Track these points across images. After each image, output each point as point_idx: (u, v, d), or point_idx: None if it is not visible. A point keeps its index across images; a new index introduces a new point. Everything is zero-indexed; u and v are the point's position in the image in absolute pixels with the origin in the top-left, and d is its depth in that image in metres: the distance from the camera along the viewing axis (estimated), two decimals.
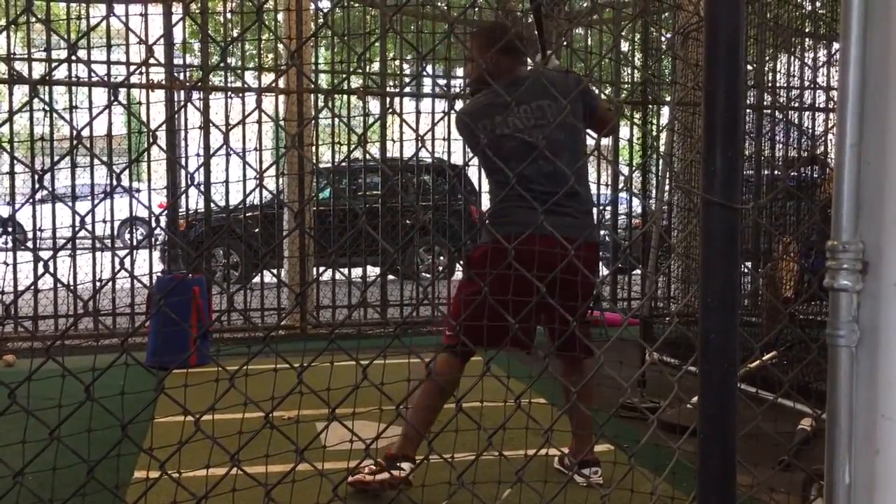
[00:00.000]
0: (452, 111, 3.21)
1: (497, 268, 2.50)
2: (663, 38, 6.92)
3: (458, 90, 6.83)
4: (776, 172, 5.72)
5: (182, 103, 6.22)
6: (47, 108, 5.80)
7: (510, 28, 3.39)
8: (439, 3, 7.88)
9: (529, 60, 3.23)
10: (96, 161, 6.02)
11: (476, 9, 7.33)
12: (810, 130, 5.67)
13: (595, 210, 3.29)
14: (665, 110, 6.91)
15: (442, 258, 8.42)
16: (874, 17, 1.06)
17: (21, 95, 7.18)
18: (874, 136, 1.06)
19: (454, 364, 2.89)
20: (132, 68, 6.22)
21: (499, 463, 2.19)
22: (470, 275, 3.00)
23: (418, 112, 6.80)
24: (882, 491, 1.06)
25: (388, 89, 7.25)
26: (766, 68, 5.65)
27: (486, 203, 6.64)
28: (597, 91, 6.97)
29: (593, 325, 3.24)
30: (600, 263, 3.19)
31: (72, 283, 5.76)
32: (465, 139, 3.23)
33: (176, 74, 6.40)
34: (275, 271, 6.80)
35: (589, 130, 3.12)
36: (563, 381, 2.93)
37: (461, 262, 3.23)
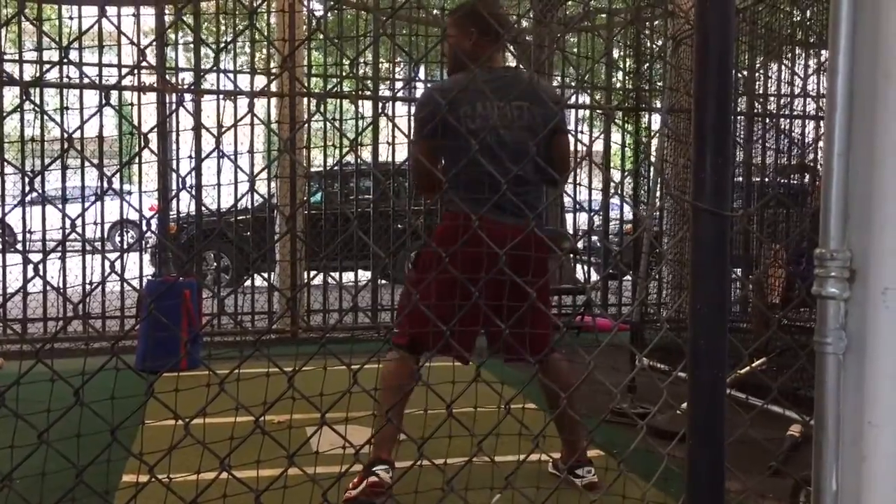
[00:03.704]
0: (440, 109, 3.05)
1: (452, 244, 2.49)
2: (655, 45, 6.96)
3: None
4: (766, 179, 5.75)
5: (174, 106, 6.21)
6: (38, 109, 5.78)
7: (491, 9, 3.26)
8: (434, 12, 7.89)
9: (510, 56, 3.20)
10: (87, 163, 6.01)
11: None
12: (800, 138, 5.70)
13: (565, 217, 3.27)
14: (657, 116, 6.94)
15: None
16: (862, 28, 1.07)
17: (12, 97, 7.16)
18: (862, 146, 1.07)
19: (409, 364, 2.86)
20: (124, 71, 6.21)
21: (490, 468, 2.19)
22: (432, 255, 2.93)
23: (410, 116, 6.81)
24: (868, 497, 1.06)
25: (380, 93, 7.25)
26: (757, 75, 5.68)
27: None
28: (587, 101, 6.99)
29: (576, 325, 3.22)
30: (554, 269, 3.14)
31: (61, 285, 5.73)
32: (428, 117, 2.89)
33: (168, 77, 6.39)
34: (266, 275, 6.79)
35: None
36: (550, 385, 2.93)
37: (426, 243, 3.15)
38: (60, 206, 6.21)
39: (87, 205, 6.32)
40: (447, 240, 2.83)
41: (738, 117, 5.43)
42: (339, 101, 6.99)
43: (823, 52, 5.21)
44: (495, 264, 2.51)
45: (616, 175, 8.93)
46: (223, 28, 7.25)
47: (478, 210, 2.62)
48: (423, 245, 2.96)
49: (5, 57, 6.06)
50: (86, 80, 5.94)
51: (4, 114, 5.72)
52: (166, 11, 5.98)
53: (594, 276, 7.99)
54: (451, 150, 2.94)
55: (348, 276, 7.31)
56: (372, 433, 2.50)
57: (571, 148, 3.09)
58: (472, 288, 2.47)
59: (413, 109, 6.80)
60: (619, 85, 8.85)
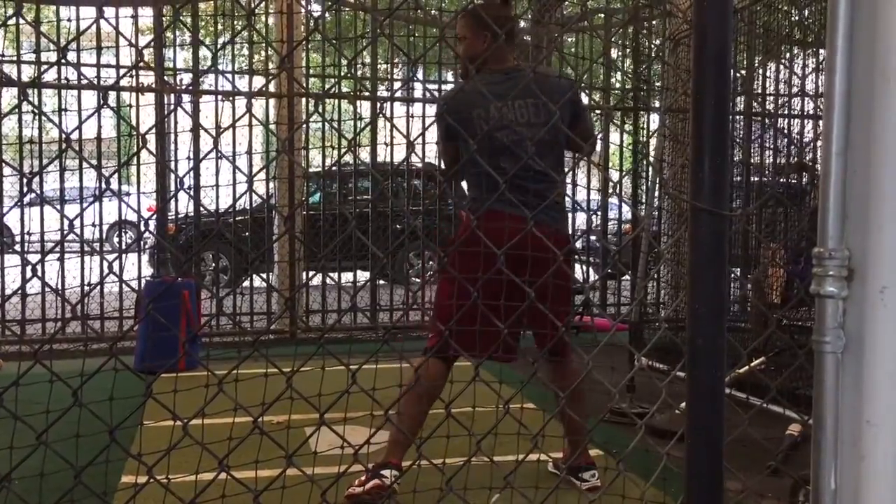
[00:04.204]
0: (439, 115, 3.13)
1: (474, 245, 2.51)
2: (653, 45, 6.96)
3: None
4: (765, 179, 5.75)
5: (172, 107, 6.21)
6: (36, 110, 5.78)
7: (503, 9, 3.28)
8: (432, 12, 7.89)
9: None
10: (85, 164, 6.01)
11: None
12: (798, 137, 5.71)
13: (569, 214, 3.30)
14: (655, 116, 6.95)
15: (432, 262, 8.42)
16: (860, 27, 1.07)
17: (10, 98, 7.15)
18: (860, 145, 1.07)
19: (439, 368, 2.89)
20: (122, 71, 6.21)
21: (490, 468, 2.19)
22: (452, 261, 2.97)
23: (409, 116, 6.81)
24: (867, 496, 1.07)
25: (378, 93, 7.25)
26: (755, 74, 5.68)
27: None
28: (585, 101, 6.99)
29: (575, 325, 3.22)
30: (576, 268, 3.19)
31: (60, 286, 5.73)
32: (445, 126, 3.02)
33: (166, 78, 6.38)
34: (264, 275, 6.79)
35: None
36: (552, 387, 2.94)
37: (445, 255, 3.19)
38: (59, 207, 6.20)
39: (85, 206, 6.31)
40: (471, 239, 2.84)
41: (737, 117, 5.44)
42: (337, 101, 6.99)
43: (821, 51, 5.21)
44: (519, 261, 2.52)
45: (615, 175, 8.93)
46: (221, 29, 7.25)
47: (500, 207, 2.64)
48: (450, 245, 3.00)
49: (3, 58, 6.06)
50: (84, 81, 5.93)
51: (3, 115, 5.71)
52: (164, 12, 5.98)
53: (593, 276, 7.99)
54: (467, 152, 3.01)
55: (347, 277, 7.31)
56: (370, 433, 2.50)
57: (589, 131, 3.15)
58: (471, 289, 2.48)
59: (411, 110, 6.84)
60: (617, 85, 8.86)
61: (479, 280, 2.54)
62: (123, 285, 6.00)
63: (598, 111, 7.10)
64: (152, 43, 6.04)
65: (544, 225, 2.77)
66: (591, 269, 8.23)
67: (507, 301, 2.60)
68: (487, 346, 2.55)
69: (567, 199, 3.41)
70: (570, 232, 3.17)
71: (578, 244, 8.04)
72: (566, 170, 3.28)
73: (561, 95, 2.88)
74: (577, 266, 6.22)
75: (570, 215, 3.18)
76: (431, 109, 7.03)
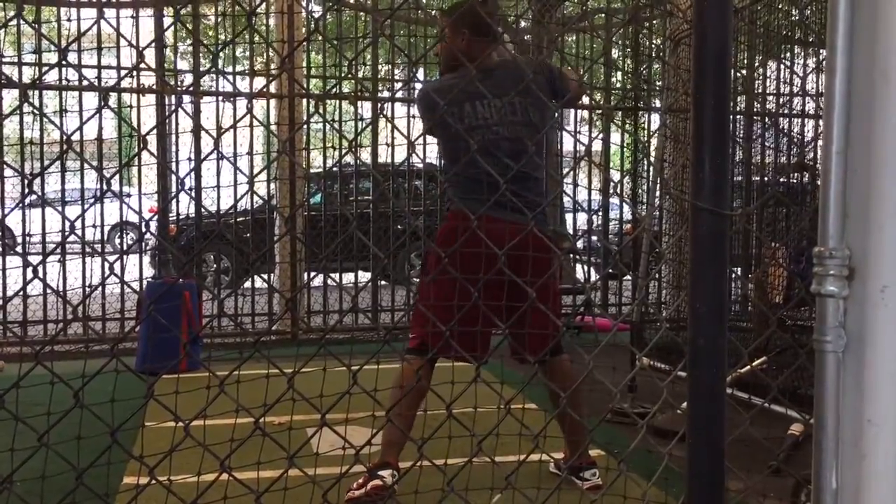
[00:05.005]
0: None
1: (458, 245, 2.51)
2: (653, 45, 6.96)
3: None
4: (766, 178, 5.75)
5: (173, 108, 6.21)
6: (37, 112, 5.79)
7: (483, 8, 3.28)
8: (432, 12, 7.89)
9: (503, 47, 3.21)
10: (86, 165, 6.01)
11: None
12: (799, 137, 5.71)
13: (551, 215, 3.30)
14: (655, 116, 6.94)
15: None
16: (860, 27, 1.07)
17: (11, 99, 7.16)
18: (860, 144, 1.07)
19: (424, 369, 2.88)
20: (123, 72, 6.21)
21: (491, 469, 2.19)
22: (437, 261, 2.97)
23: (410, 117, 6.81)
24: (868, 495, 1.06)
25: (379, 94, 7.25)
26: (756, 74, 5.68)
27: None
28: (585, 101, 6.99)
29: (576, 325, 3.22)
30: (558, 266, 3.18)
31: (61, 288, 5.73)
32: (427, 118, 3.10)
33: (166, 79, 6.39)
34: (266, 276, 6.80)
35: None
36: (552, 386, 2.93)
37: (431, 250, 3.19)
38: (60, 208, 6.20)
39: (86, 207, 6.32)
40: (451, 240, 2.85)
41: (738, 116, 5.44)
42: (338, 102, 6.99)
43: (822, 50, 5.20)
44: (500, 263, 2.52)
45: (615, 175, 8.93)
46: (221, 32, 7.25)
47: (477, 208, 2.63)
48: (429, 247, 3.00)
49: (4, 59, 6.06)
50: (85, 82, 5.94)
51: (4, 116, 5.72)
52: (165, 13, 5.98)
53: (594, 276, 7.99)
54: (445, 150, 3.03)
55: (348, 277, 7.31)
56: (372, 433, 2.51)
57: (573, 100, 3.20)
58: (471, 288, 2.48)
59: (411, 110, 6.84)
60: (618, 85, 8.85)
61: (457, 281, 2.55)
62: (125, 286, 6.00)
63: (598, 111, 7.10)
64: (153, 44, 6.03)
65: (520, 225, 2.74)
66: (592, 269, 8.22)
67: (482, 301, 2.61)
68: (464, 347, 2.56)
69: (566, 198, 3.41)
70: (569, 232, 3.16)
71: (579, 244, 8.04)
72: (566, 170, 3.28)
73: (537, 89, 2.86)
74: (570, 266, 6.21)
75: (564, 215, 3.17)
76: None
